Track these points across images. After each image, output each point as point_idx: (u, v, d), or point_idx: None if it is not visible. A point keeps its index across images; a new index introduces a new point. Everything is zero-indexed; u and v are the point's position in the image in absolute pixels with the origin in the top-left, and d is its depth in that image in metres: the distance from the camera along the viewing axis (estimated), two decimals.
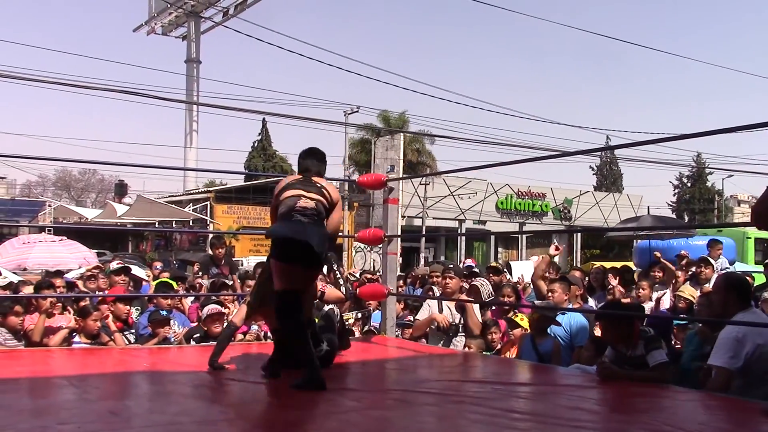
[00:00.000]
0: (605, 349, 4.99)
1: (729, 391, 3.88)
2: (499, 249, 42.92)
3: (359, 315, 6.71)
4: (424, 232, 35.77)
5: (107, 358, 3.72)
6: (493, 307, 6.54)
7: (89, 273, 7.56)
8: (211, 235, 17.92)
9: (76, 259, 10.45)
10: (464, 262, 10.32)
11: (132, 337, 6.10)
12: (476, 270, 8.83)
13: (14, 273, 8.85)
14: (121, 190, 36.87)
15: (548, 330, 5.50)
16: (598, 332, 5.10)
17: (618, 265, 9.61)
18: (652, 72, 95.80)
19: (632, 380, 4.06)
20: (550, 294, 6.06)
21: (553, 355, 5.33)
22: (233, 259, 10.93)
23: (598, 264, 11.36)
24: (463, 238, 40.17)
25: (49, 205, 36.19)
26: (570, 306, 6.13)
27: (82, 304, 5.89)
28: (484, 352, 5.71)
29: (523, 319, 5.83)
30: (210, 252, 8.89)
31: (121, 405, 3.37)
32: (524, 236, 42.11)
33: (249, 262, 23.12)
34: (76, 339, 5.60)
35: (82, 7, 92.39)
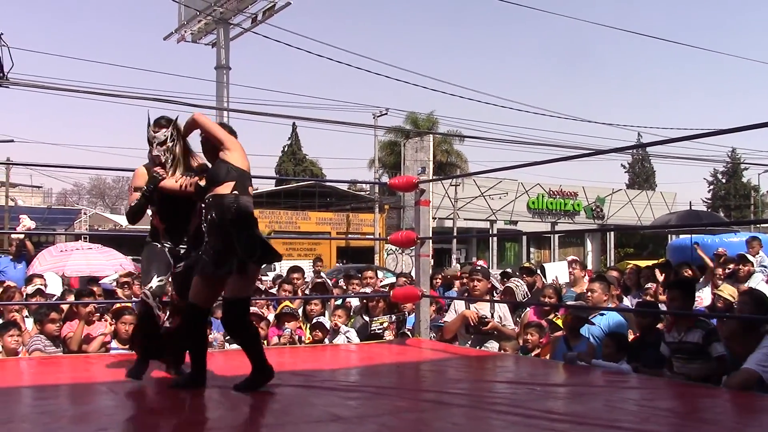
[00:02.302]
0: (625, 347, 4.99)
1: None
2: (532, 249, 42.67)
3: (393, 318, 6.69)
4: (455, 234, 35.67)
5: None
6: (529, 308, 6.49)
7: (123, 280, 7.65)
8: None
9: (112, 266, 10.58)
10: (475, 263, 10.26)
11: None
12: (509, 270, 8.77)
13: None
14: None
15: (583, 331, 5.44)
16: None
17: (651, 263, 9.48)
18: (683, 67, 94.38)
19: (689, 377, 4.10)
20: (589, 294, 6.00)
21: (588, 356, 5.27)
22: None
23: (632, 263, 11.22)
24: (495, 239, 40.00)
25: (85, 213, 36.73)
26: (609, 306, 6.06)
27: (117, 307, 5.96)
28: (519, 354, 5.67)
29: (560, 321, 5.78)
30: None
31: (159, 410, 3.40)
32: (557, 236, 41.81)
33: (281, 266, 23.20)
34: (114, 345, 5.66)
35: (113, 17, 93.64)
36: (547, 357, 5.61)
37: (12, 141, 21.88)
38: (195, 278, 3.69)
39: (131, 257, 12.25)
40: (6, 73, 15.51)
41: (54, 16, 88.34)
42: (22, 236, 9.14)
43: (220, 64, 43.31)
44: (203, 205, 3.80)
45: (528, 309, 6.76)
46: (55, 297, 6.96)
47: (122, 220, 35.53)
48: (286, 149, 51.64)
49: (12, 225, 29.10)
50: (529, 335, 5.86)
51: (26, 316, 6.28)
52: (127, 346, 5.60)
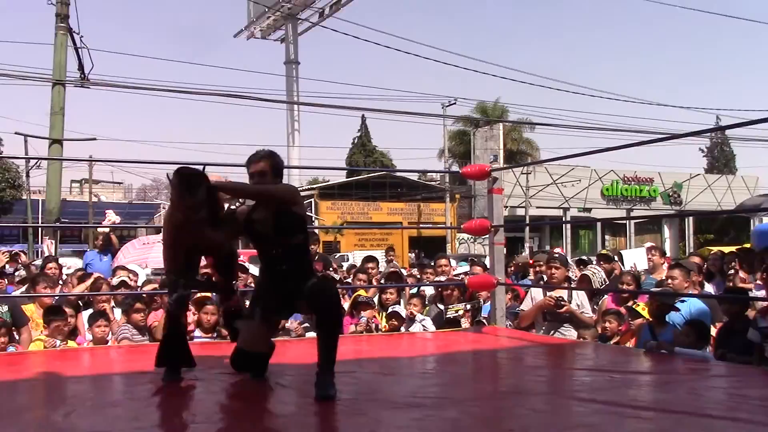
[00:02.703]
0: (706, 335, 4.85)
1: None
2: (607, 237, 41.82)
3: (468, 306, 6.67)
4: (527, 222, 35.27)
5: (228, 350, 3.84)
6: (607, 296, 6.37)
7: (204, 271, 7.84)
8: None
9: None
10: (552, 250, 10.10)
11: None
12: (585, 258, 8.63)
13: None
14: None
15: (667, 318, 5.32)
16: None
17: (735, 248, 9.17)
18: (763, 46, 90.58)
19: None
20: (669, 281, 5.86)
21: (670, 344, 5.14)
22: (339, 254, 11.05)
23: (715, 249, 10.89)
24: (569, 226, 39.39)
25: (163, 208, 37.78)
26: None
27: (198, 297, 6.11)
28: (598, 342, 5.58)
29: (644, 309, 5.65)
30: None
31: (243, 396, 3.48)
32: (632, 223, 40.87)
33: (354, 256, 23.42)
34: (197, 333, 5.81)
35: (186, 15, 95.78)
36: (628, 345, 5.51)
37: (94, 139, 22.64)
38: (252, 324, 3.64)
39: None
40: (87, 74, 16.09)
41: (127, 14, 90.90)
42: (107, 230, 9.46)
43: (289, 59, 43.79)
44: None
45: (606, 296, 6.64)
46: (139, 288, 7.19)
47: None
48: (356, 141, 51.96)
49: (96, 220, 30.21)
50: (607, 323, 5.77)
51: (113, 307, 6.52)
52: (209, 335, 5.77)
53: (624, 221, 41.11)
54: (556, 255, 6.81)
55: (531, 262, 8.36)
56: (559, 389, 3.80)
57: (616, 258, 9.49)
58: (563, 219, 37.22)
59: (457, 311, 6.56)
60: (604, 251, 10.08)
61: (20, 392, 3.78)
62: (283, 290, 3.58)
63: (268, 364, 3.69)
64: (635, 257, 10.91)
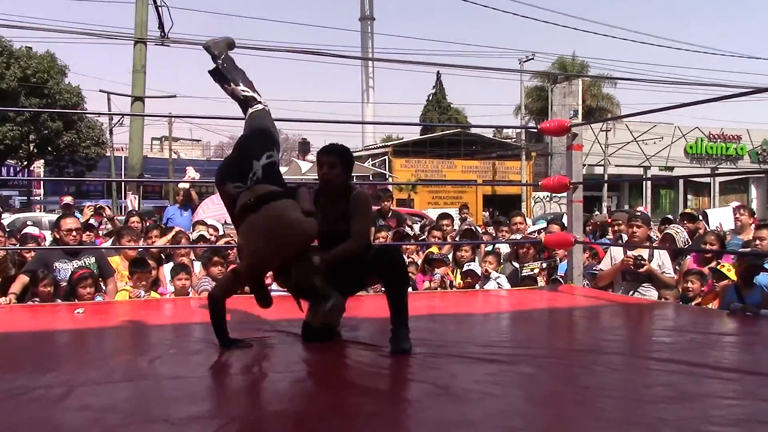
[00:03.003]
0: None
1: None
2: (689, 196, 40.51)
3: (544, 265, 6.59)
4: (606, 180, 34.48)
5: (304, 305, 3.90)
6: (690, 256, 6.18)
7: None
8: (378, 188, 18.28)
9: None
10: (635, 209, 9.82)
11: None
12: (669, 217, 8.37)
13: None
14: (304, 147, 38.42)
15: (755, 280, 5.12)
16: None
17: None
18: None
19: None
20: (757, 242, 5.64)
21: (756, 306, 4.96)
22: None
23: None
24: (649, 185, 38.32)
25: None
26: None
27: None
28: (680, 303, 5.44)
29: (729, 270, 5.45)
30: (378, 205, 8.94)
31: (321, 350, 3.53)
32: (717, 182, 39.40)
33: (428, 214, 23.39)
34: (273, 287, 5.92)
35: None
36: (711, 306, 5.34)
37: (174, 96, 23.10)
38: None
39: None
40: (167, 33, 16.36)
41: None
42: (188, 186, 9.69)
43: (365, 15, 43.55)
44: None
45: (688, 256, 6.44)
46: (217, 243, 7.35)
47: None
48: (430, 98, 51.52)
49: (175, 176, 31.05)
50: (689, 283, 5.61)
51: (193, 260, 6.70)
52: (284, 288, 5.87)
53: (708, 180, 39.60)
54: (638, 213, 6.62)
55: (610, 220, 8.16)
56: (637, 349, 3.73)
57: (700, 217, 9.17)
58: (643, 177, 36.20)
59: (532, 269, 6.50)
60: (687, 210, 9.76)
61: (107, 339, 3.95)
62: (352, 273, 3.57)
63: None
64: (721, 217, 10.51)
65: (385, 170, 33.56)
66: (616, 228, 7.15)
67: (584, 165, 30.76)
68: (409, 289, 5.95)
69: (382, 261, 3.46)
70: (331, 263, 3.40)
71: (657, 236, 7.27)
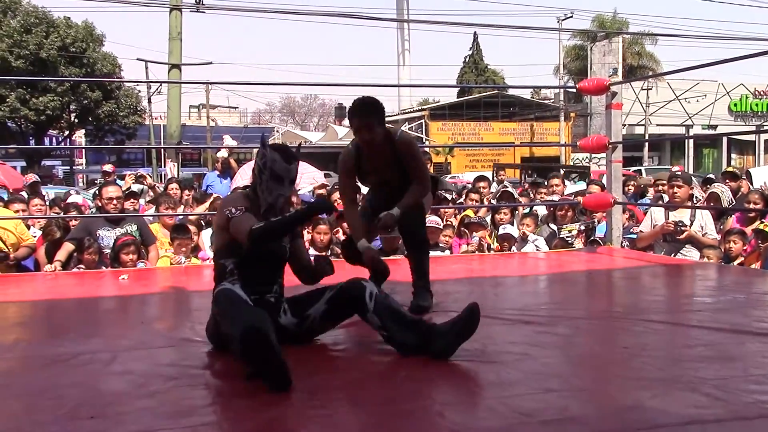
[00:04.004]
0: None
1: None
2: (733, 155, 39.63)
3: (582, 227, 6.53)
4: (647, 139, 33.86)
5: (341, 267, 3.92)
6: (732, 215, 6.06)
7: (318, 191, 8.02)
8: None
9: (306, 178, 11.10)
10: (671, 170, 9.63)
11: None
12: (712, 176, 8.21)
13: None
14: (340, 113, 38.39)
15: None
16: None
17: None
18: None
19: None
20: None
21: None
22: (450, 175, 10.99)
23: None
24: (691, 144, 37.58)
25: (277, 131, 38.70)
26: None
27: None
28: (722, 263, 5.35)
29: None
30: None
31: None
32: (762, 140, 38.43)
33: (464, 177, 23.29)
34: (311, 252, 5.98)
35: None
36: (754, 266, 5.26)
37: (210, 63, 23.17)
38: None
39: (324, 172, 12.75)
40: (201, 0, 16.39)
41: None
42: (226, 154, 9.76)
43: None
44: None
45: (732, 216, 6.33)
46: None
47: (311, 136, 37.10)
48: (467, 60, 50.90)
49: (213, 143, 31.29)
50: (731, 243, 5.52)
51: None
52: (323, 254, 5.92)
53: (753, 138, 38.65)
54: (679, 173, 6.50)
55: (654, 181, 8.03)
56: (678, 309, 3.69)
57: (743, 176, 8.98)
58: (685, 135, 35.49)
59: (570, 231, 6.44)
60: (730, 168, 9.56)
61: (150, 305, 4.03)
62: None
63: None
64: (765, 175, 10.30)
65: (422, 134, 33.40)
66: (658, 188, 7.04)
67: (624, 125, 30.32)
68: (447, 252, 6.02)
69: (403, 220, 3.53)
70: (409, 209, 3.50)
71: (702, 196, 7.13)
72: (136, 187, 8.10)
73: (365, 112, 3.47)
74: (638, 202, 7.97)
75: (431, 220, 6.27)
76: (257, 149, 2.95)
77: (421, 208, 3.70)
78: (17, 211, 6.26)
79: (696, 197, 6.99)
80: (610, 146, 5.75)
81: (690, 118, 36.33)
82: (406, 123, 35.27)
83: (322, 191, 8.10)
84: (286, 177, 2.88)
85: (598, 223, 6.51)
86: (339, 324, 2.89)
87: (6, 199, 7.56)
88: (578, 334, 3.06)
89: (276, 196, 2.87)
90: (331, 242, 5.95)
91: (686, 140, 36.51)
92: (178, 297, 4.21)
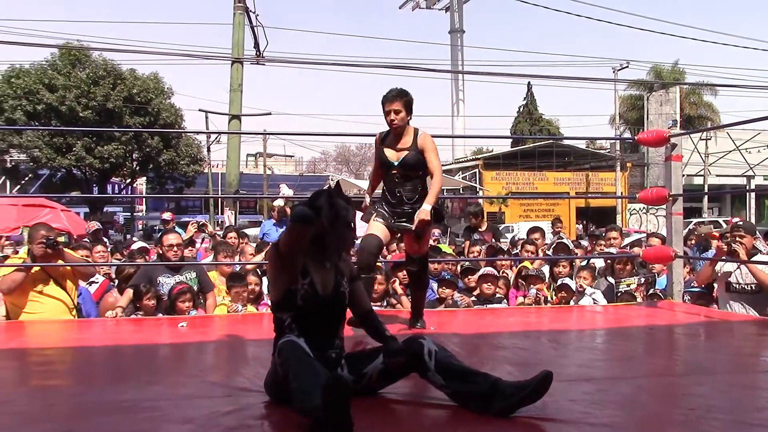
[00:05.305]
0: None
1: None
2: None
3: (642, 280, 6.39)
4: (706, 191, 33.18)
5: (393, 320, 3.94)
6: None
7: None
8: (469, 205, 18.26)
9: (360, 225, 11.18)
10: (730, 221, 9.37)
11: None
12: None
13: None
14: None
15: None
16: None
17: None
18: None
19: None
20: None
21: None
22: (504, 225, 10.95)
23: None
24: (753, 195, 36.67)
25: (332, 179, 39.05)
26: None
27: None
28: None
29: None
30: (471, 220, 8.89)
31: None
32: None
33: (518, 227, 23.13)
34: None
35: None
36: None
37: (269, 114, 23.65)
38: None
39: None
40: (262, 52, 16.84)
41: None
42: (282, 203, 9.91)
43: (454, 28, 43.66)
44: None
45: None
46: None
47: (365, 185, 37.37)
48: (521, 109, 50.96)
49: (269, 191, 31.78)
50: None
51: None
52: (378, 303, 5.92)
53: None
54: (741, 223, 6.32)
55: (716, 234, 7.83)
56: (744, 368, 3.56)
57: None
58: (747, 187, 34.66)
59: (629, 285, 6.31)
60: None
61: (208, 353, 4.07)
62: (399, 208, 4.35)
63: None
64: None
65: (476, 183, 33.36)
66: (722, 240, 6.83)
67: (683, 175, 29.79)
68: (503, 304, 5.98)
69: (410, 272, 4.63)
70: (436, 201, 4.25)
71: (765, 248, 6.91)
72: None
73: (394, 96, 4.28)
74: (701, 256, 7.78)
75: (486, 270, 6.24)
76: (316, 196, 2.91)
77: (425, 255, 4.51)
78: (83, 256, 6.43)
79: (761, 249, 6.77)
80: (670, 198, 5.66)
81: (751, 168, 35.54)
82: (460, 172, 35.32)
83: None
84: (353, 221, 2.92)
85: (658, 276, 6.37)
86: (397, 381, 2.86)
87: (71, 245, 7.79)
88: (640, 392, 2.98)
89: (350, 241, 3.02)
90: (387, 293, 5.95)
91: (747, 192, 35.66)
92: (235, 345, 4.24)
